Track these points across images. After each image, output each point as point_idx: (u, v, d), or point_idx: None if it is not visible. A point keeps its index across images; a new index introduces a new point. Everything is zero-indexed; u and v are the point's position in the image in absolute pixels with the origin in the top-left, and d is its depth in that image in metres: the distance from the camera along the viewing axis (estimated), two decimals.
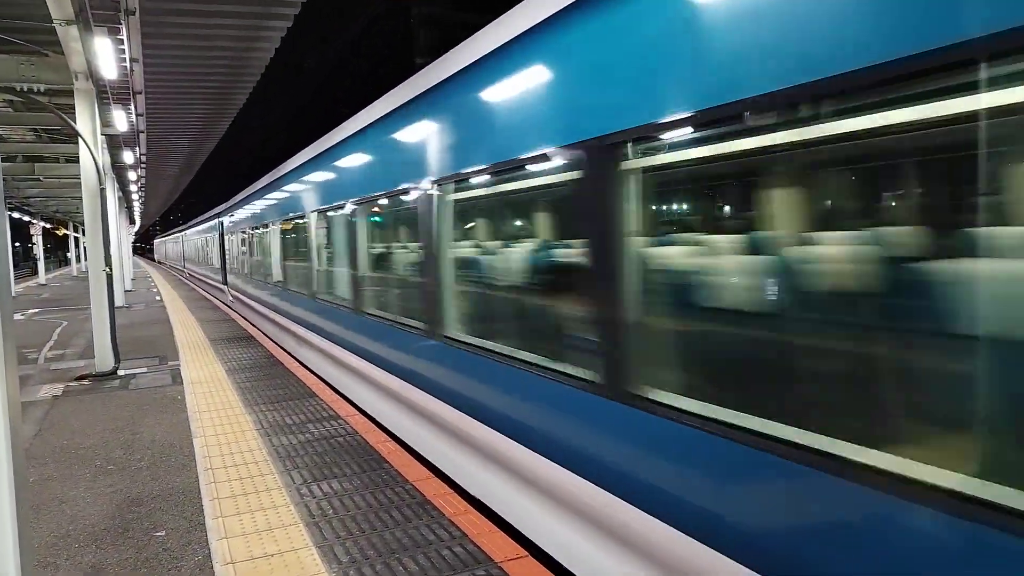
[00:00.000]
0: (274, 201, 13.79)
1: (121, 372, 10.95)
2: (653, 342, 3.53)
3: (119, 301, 19.42)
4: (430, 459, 6.20)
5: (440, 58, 5.67)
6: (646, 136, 3.29)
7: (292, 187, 11.92)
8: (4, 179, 2.75)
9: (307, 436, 6.94)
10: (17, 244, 63.72)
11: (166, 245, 73.39)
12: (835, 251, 2.83)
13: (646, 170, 3.44)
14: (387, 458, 6.17)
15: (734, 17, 2.73)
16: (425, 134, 5.86)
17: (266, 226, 14.86)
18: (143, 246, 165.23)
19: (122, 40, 11.07)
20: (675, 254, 3.70)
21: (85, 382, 10.44)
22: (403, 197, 6.55)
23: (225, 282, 23.78)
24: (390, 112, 6.71)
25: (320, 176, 9.89)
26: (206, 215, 32.56)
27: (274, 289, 14.29)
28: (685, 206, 4.29)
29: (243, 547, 4.49)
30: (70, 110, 11.49)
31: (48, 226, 45.51)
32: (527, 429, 4.46)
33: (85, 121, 11.25)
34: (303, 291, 11.42)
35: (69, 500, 5.61)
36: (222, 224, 23.71)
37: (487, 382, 5.00)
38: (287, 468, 6.00)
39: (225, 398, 8.74)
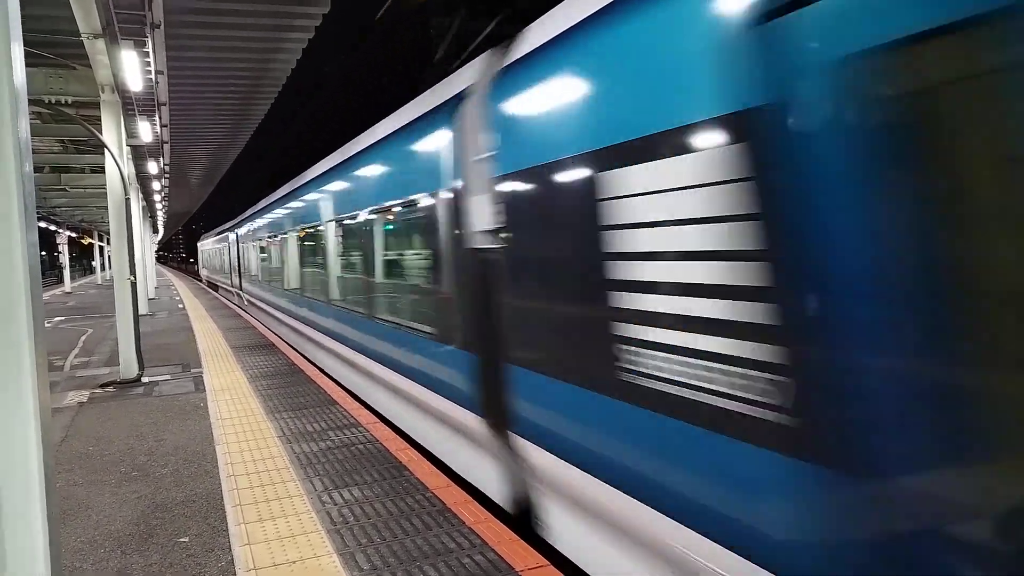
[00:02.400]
0: None
1: (145, 379, 11.09)
2: None
3: (143, 309, 19.68)
4: None
5: None
6: None
7: None
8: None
9: (328, 443, 6.98)
10: (43, 253, 64.84)
11: (239, 249, 24.94)
12: None
13: None
14: (407, 466, 6.18)
15: None
16: None
17: None
18: (166, 255, 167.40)
19: (148, 53, 11.28)
20: None
21: (110, 389, 10.58)
22: None
23: None
24: None
25: None
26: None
27: None
28: None
29: (266, 553, 4.52)
30: (96, 121, 11.71)
31: (74, 235, 46.28)
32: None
33: (111, 132, 11.46)
34: None
35: (95, 506, 5.68)
36: None
37: None
38: (308, 475, 6.04)
39: (247, 405, 8.82)
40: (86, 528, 5.22)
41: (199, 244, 55.84)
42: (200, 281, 54.59)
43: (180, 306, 26.88)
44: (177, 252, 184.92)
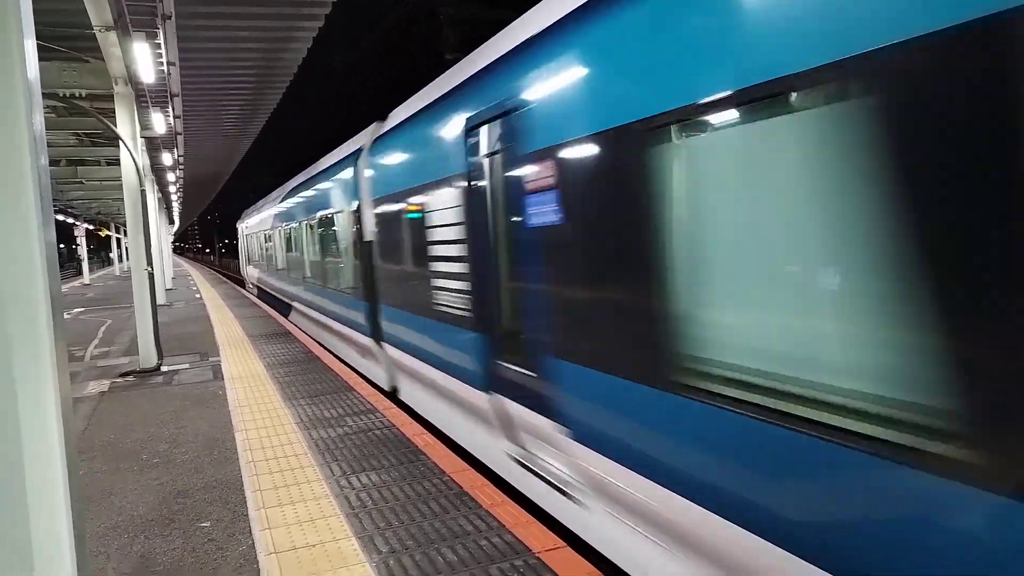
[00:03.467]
0: None
1: (164, 368, 11.23)
2: None
3: (160, 299, 19.86)
4: None
5: None
6: None
7: None
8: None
9: (345, 429, 7.05)
10: (62, 246, 65.52)
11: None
12: None
13: None
14: (424, 450, 6.24)
15: None
16: None
17: None
18: (183, 245, 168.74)
19: (159, 44, 11.31)
20: None
21: (130, 378, 10.73)
22: None
23: None
24: None
25: None
26: None
27: None
28: None
29: (285, 537, 4.59)
30: (110, 114, 11.79)
31: (91, 228, 46.74)
32: None
33: (125, 124, 11.53)
34: None
35: (117, 492, 5.78)
36: None
37: None
38: (326, 460, 6.11)
39: (265, 393, 8.91)
40: (109, 514, 5.31)
41: (241, 224, 30.98)
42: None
43: (197, 296, 27.12)
44: (193, 243, 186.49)
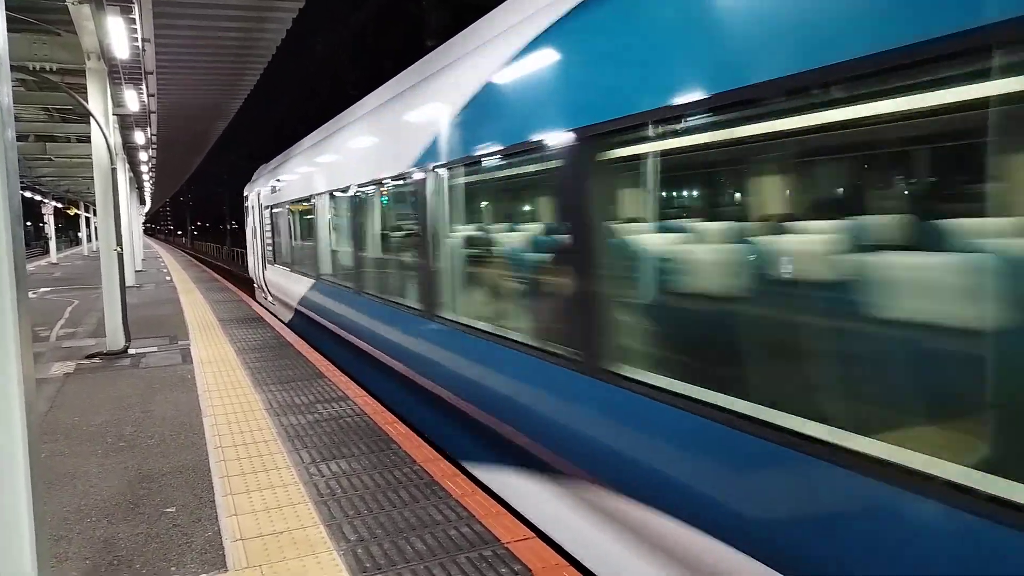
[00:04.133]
0: None
1: (132, 351, 11.05)
2: None
3: (130, 281, 19.50)
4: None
5: None
6: None
7: None
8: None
9: (316, 416, 7.00)
10: (29, 224, 64.09)
11: None
12: None
13: None
14: (395, 439, 6.22)
15: None
16: None
17: None
18: (154, 226, 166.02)
19: (134, 19, 11.07)
20: None
21: (96, 360, 10.54)
22: None
23: None
24: None
25: None
26: None
27: None
28: None
29: (252, 524, 4.55)
30: (82, 90, 11.52)
31: (59, 206, 45.81)
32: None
33: (97, 101, 11.28)
34: None
35: (81, 476, 5.68)
36: None
37: None
38: (296, 447, 6.06)
39: (235, 378, 8.81)
40: (72, 498, 5.22)
41: (255, 191, 18.39)
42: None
43: (167, 278, 26.71)
44: (165, 224, 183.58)
